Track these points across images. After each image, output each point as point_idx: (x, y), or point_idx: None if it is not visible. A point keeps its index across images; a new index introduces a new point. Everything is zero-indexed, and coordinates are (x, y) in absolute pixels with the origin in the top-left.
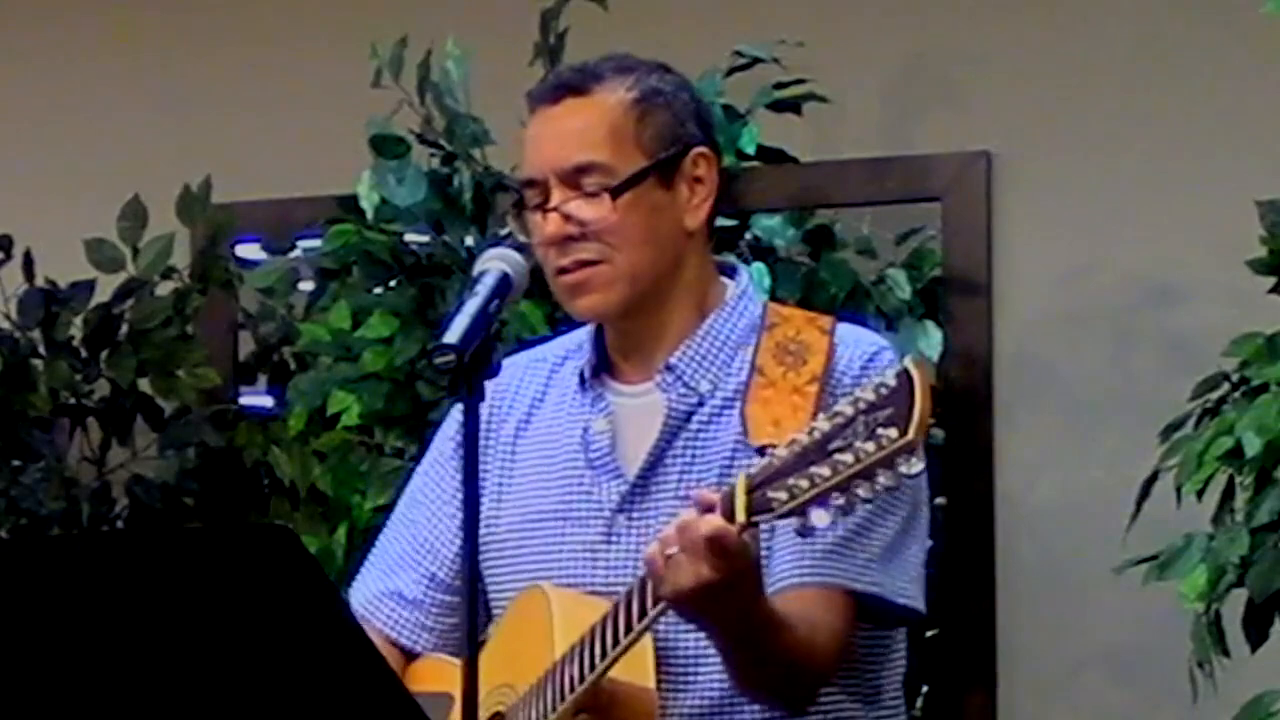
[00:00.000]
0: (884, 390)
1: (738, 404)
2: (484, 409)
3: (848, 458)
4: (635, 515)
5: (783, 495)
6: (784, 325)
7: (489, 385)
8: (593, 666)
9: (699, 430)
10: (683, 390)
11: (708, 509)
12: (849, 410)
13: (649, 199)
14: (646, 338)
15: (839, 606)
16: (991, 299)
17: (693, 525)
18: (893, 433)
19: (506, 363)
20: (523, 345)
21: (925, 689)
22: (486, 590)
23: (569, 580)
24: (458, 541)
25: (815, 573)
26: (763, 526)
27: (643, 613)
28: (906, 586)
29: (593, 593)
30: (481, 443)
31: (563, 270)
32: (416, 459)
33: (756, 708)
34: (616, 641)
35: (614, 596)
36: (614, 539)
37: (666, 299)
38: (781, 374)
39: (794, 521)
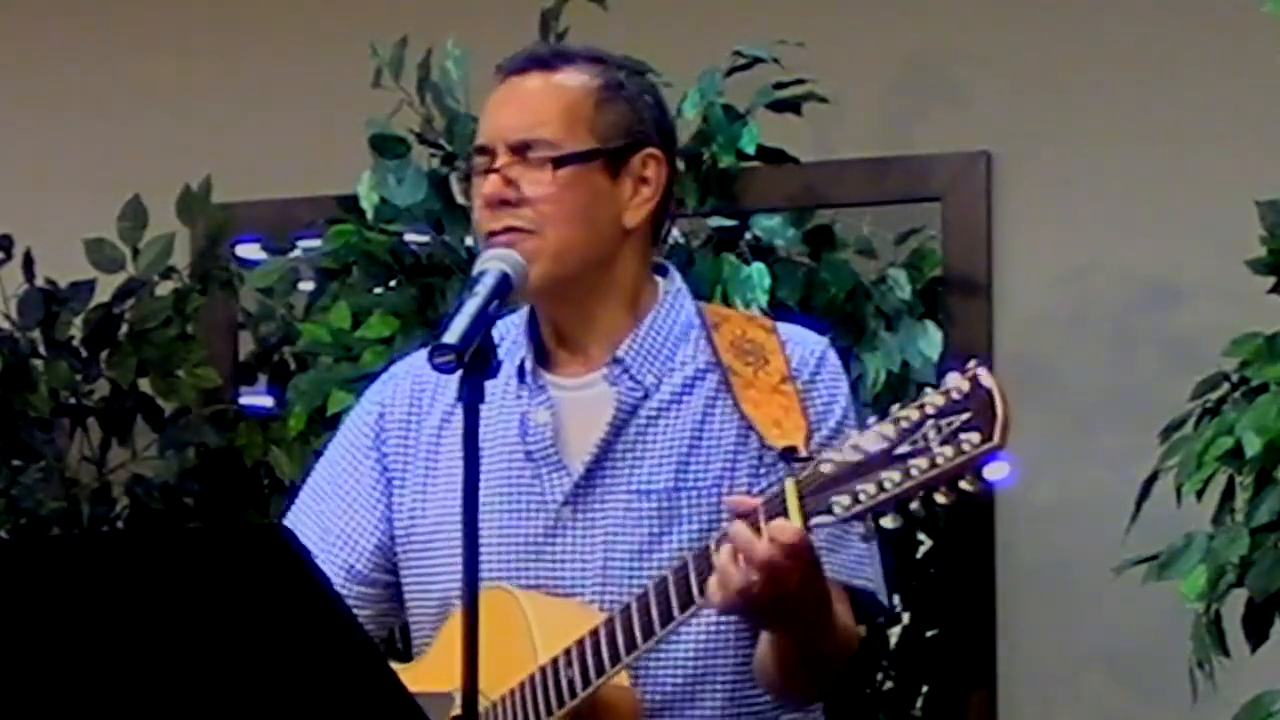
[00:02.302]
0: (957, 396)
1: (687, 399)
2: (404, 404)
3: (922, 462)
4: (580, 508)
5: (845, 500)
6: (728, 324)
7: (408, 375)
8: (600, 671)
9: (647, 424)
10: (630, 384)
11: (746, 515)
12: (914, 415)
13: (590, 181)
14: (576, 328)
15: (845, 599)
16: (991, 299)
17: (754, 546)
18: (975, 437)
19: (423, 355)
20: None
21: (925, 689)
22: (403, 585)
23: (512, 574)
24: (378, 534)
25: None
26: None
27: (668, 618)
28: (883, 584)
29: (537, 587)
30: (401, 433)
31: (492, 235)
32: None
33: (712, 702)
34: (633, 646)
35: (561, 591)
36: (559, 533)
37: (595, 290)
38: (753, 373)
39: (858, 525)
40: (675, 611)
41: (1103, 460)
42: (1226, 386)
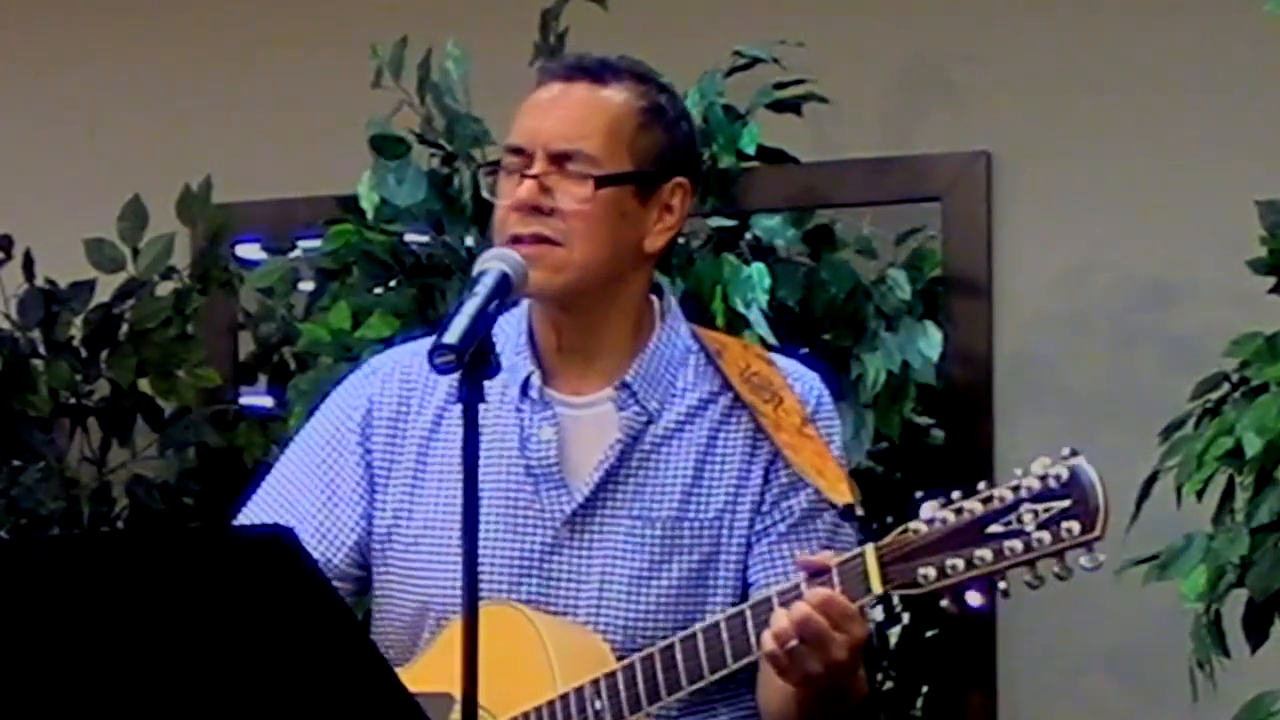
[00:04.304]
0: (1054, 483)
1: (690, 428)
2: (393, 402)
3: (1016, 545)
4: (580, 529)
5: (930, 572)
6: (729, 351)
7: (395, 370)
8: (635, 708)
9: (651, 451)
10: (637, 409)
11: (816, 574)
12: (1008, 496)
13: (623, 204)
14: (581, 340)
15: None
16: (991, 299)
17: (813, 618)
18: (1075, 526)
19: (408, 351)
20: None
21: (925, 689)
22: (376, 582)
23: (505, 589)
24: (358, 531)
25: None
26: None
27: (719, 664)
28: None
29: (530, 603)
30: (389, 430)
31: (518, 239)
32: None
33: None
34: (676, 686)
35: (553, 609)
36: (557, 552)
37: (605, 308)
38: (772, 411)
39: (945, 600)
40: (729, 659)
41: (1103, 460)
42: (1226, 386)
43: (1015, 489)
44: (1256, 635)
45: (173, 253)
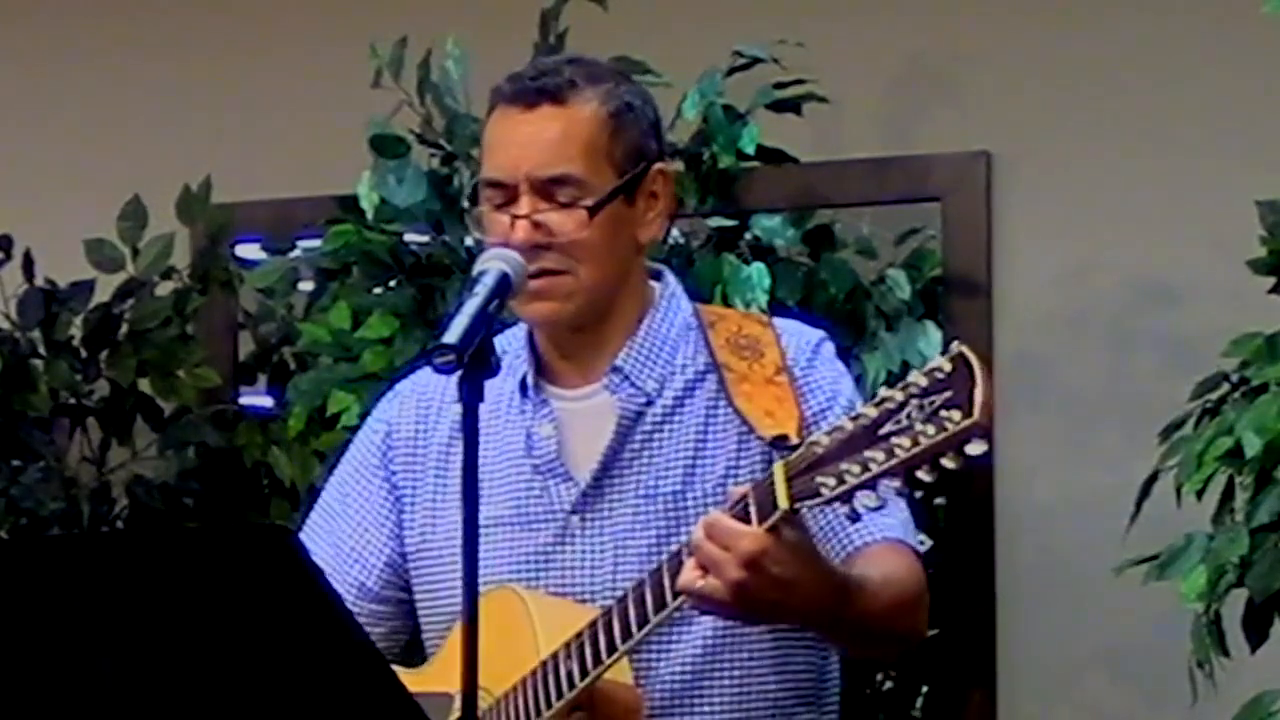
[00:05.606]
0: (939, 375)
1: (689, 403)
2: (410, 422)
3: (904, 441)
4: (589, 517)
5: (830, 481)
6: (724, 321)
7: (413, 393)
8: (597, 661)
9: (652, 430)
10: (631, 391)
11: (736, 503)
12: (899, 396)
13: (614, 215)
14: (589, 344)
15: (907, 552)
16: (991, 299)
17: (700, 543)
18: (956, 415)
19: (427, 371)
20: None
21: (925, 689)
22: (416, 599)
23: (523, 584)
24: (388, 551)
25: (872, 531)
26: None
27: (660, 605)
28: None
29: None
30: (409, 452)
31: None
32: None
33: (718, 699)
34: (628, 635)
35: (573, 598)
36: (568, 541)
37: (612, 308)
38: (747, 366)
39: (843, 506)
40: (668, 598)
41: (1103, 460)
42: (1226, 386)
43: (905, 388)
44: (1256, 635)
45: (173, 253)
